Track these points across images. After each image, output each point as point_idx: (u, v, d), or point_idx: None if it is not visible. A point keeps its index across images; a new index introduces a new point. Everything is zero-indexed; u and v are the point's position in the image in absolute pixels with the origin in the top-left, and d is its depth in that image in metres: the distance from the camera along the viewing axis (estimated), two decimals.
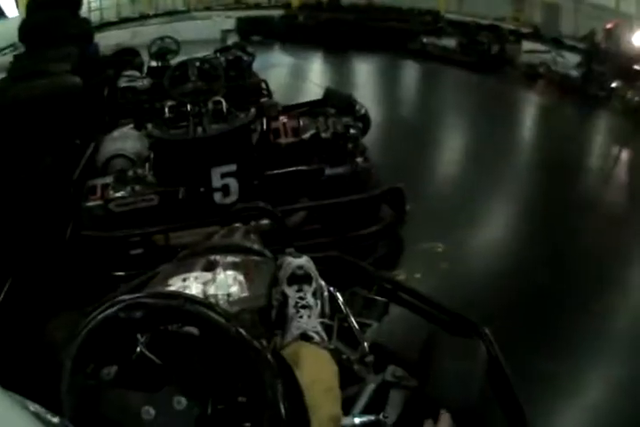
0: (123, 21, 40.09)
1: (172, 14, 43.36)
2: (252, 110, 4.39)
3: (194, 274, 1.78)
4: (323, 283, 1.97)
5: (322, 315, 1.88)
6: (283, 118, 4.57)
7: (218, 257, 1.92)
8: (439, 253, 4.11)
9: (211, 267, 1.84)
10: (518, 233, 5.06)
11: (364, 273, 2.32)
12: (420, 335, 2.01)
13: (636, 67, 13.38)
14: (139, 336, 1.37)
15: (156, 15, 45.67)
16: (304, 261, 1.93)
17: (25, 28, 9.33)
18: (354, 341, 1.95)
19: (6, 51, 30.89)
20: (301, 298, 1.83)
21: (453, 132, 8.93)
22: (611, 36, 22.76)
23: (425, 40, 16.96)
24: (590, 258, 4.36)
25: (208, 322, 1.25)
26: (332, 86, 7.29)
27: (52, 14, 8.81)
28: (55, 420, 1.21)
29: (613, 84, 12.84)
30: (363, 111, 5.35)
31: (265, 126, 4.39)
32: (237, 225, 2.64)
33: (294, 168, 4.11)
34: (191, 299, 1.30)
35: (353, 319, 1.99)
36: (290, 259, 1.92)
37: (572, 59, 14.12)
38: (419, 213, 4.23)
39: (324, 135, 4.31)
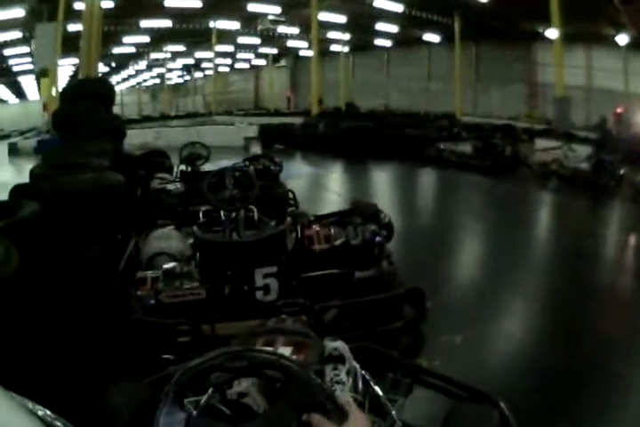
0: (145, 120, 41.90)
1: (192, 116, 45.24)
2: (289, 219, 5.03)
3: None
4: (356, 364, 2.23)
5: (354, 390, 2.14)
6: (315, 227, 5.16)
7: (275, 337, 2.25)
8: (457, 345, 4.61)
9: (270, 344, 2.18)
10: (534, 326, 5.56)
11: (392, 360, 2.70)
12: (441, 409, 2.47)
13: None
14: (235, 382, 1.79)
15: (177, 116, 47.55)
16: (339, 344, 2.23)
17: (59, 117, 9.90)
18: (383, 413, 2.26)
19: (28, 134, 32.07)
20: (336, 375, 2.11)
21: (470, 234, 9.57)
22: (621, 121, 23.68)
23: (441, 146, 17.89)
24: (607, 348, 4.81)
25: (296, 377, 1.55)
26: (355, 197, 8.00)
27: (87, 107, 9.36)
28: (59, 423, 1.41)
29: (622, 172, 13.45)
30: (387, 220, 5.98)
31: (300, 234, 4.98)
32: (283, 317, 3.16)
33: (327, 271, 4.67)
34: (284, 357, 1.64)
35: (382, 395, 2.28)
36: (327, 342, 2.23)
37: (584, 151, 14.83)
38: (439, 310, 4.77)
39: (353, 242, 4.90)
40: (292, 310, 3.38)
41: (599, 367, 4.15)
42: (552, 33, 22.21)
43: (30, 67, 36.41)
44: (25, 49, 31.89)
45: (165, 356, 3.90)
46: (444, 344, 4.65)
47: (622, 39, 26.89)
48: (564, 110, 20.61)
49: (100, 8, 16.13)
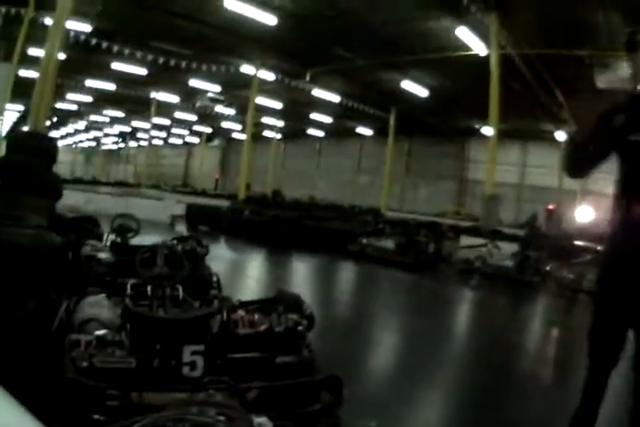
0: (76, 181, 41.56)
1: (122, 185, 45.13)
2: (216, 302, 5.43)
3: None
4: None
5: None
6: (241, 312, 5.54)
7: (207, 408, 2.28)
8: None
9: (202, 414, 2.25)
10: (447, 415, 6.00)
11: None
12: None
13: (577, 242, 14.58)
14: None
15: (108, 183, 47.35)
16: (264, 420, 2.44)
17: (1, 167, 10.02)
18: None
19: None
20: None
21: (389, 328, 10.03)
22: (552, 217, 24.53)
23: (364, 241, 18.48)
24: None
25: None
26: (277, 286, 8.36)
27: (30, 161, 9.50)
28: None
29: (548, 268, 14.02)
30: (309, 311, 6.39)
31: (225, 317, 5.34)
32: (212, 392, 3.48)
33: (251, 354, 5.01)
34: (221, 421, 1.96)
35: None
36: (253, 417, 2.38)
37: (510, 248, 15.64)
38: (356, 397, 5.14)
39: (276, 329, 5.29)
40: (217, 387, 3.73)
41: None
42: (488, 130, 23.21)
43: None
44: None
45: (96, 416, 4.16)
46: None
47: (561, 135, 28.04)
48: (493, 208, 21.33)
49: (58, 59, 16.29)
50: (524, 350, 8.91)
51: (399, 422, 5.47)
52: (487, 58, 20.34)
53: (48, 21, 18.78)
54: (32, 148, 9.79)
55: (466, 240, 18.39)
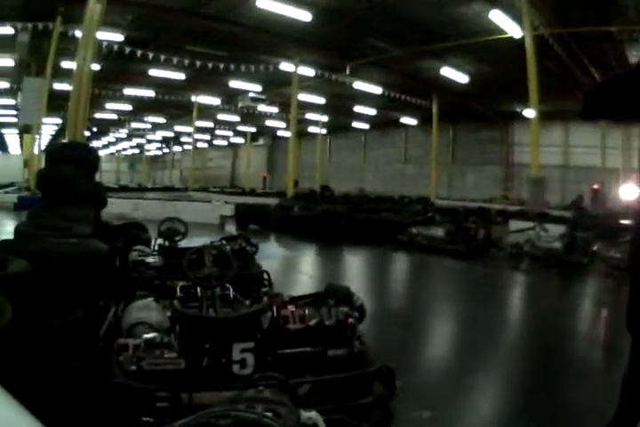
0: (122, 189, 42.18)
1: (169, 190, 45.65)
2: (265, 299, 5.38)
3: None
4: None
5: None
6: (291, 307, 5.47)
7: (254, 404, 2.33)
8: (425, 419, 4.93)
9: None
10: (503, 401, 5.85)
11: None
12: None
13: (623, 221, 14.31)
14: None
15: (154, 188, 47.98)
16: (314, 414, 2.40)
17: (43, 178, 9.85)
18: None
19: (8, 189, 32.13)
20: None
21: (440, 317, 9.89)
22: (597, 197, 24.15)
23: (414, 231, 18.37)
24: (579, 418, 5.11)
25: None
26: (329, 280, 8.30)
27: (72, 171, 9.41)
28: None
29: (595, 248, 13.79)
30: (359, 302, 6.32)
31: (275, 313, 5.30)
32: (261, 388, 3.42)
33: (301, 349, 4.97)
34: (267, 416, 1.94)
35: None
36: (302, 411, 2.39)
37: (557, 230, 15.39)
38: (410, 388, 5.06)
39: (327, 323, 5.22)
40: (267, 384, 3.66)
41: None
42: (529, 112, 22.89)
43: (14, 120, 36.76)
44: (10, 101, 32.33)
45: (145, 419, 4.14)
46: (412, 419, 4.94)
47: None
48: (539, 191, 21.13)
49: (91, 70, 16.46)
50: (575, 333, 8.71)
51: (454, 411, 5.35)
52: (522, 40, 19.99)
53: (78, 33, 18.95)
54: (71, 158, 9.97)
55: (514, 224, 18.16)
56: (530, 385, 6.22)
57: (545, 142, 25.23)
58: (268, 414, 2.20)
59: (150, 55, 24.46)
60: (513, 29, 20.45)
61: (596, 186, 27.35)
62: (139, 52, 23.80)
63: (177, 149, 72.04)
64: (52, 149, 11.10)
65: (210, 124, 50.85)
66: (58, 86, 26.17)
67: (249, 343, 4.71)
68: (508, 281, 13.83)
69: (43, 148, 25.88)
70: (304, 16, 20.55)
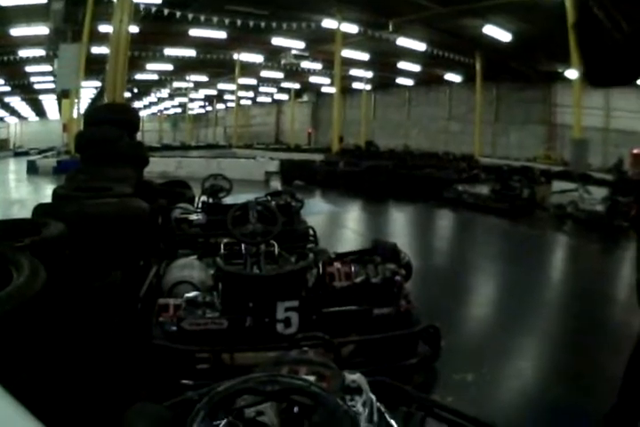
0: (165, 148, 42.41)
1: (213, 148, 45.75)
2: (310, 256, 5.24)
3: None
4: (372, 396, 2.32)
5: (369, 421, 2.22)
6: (337, 264, 5.32)
7: (298, 367, 2.35)
8: (469, 382, 4.76)
9: (293, 373, 2.26)
10: (545, 365, 5.64)
11: (406, 394, 2.86)
12: None
13: None
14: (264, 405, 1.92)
15: (197, 146, 48.18)
16: (357, 376, 2.33)
17: (82, 141, 10.05)
18: None
19: (47, 153, 32.68)
20: (352, 406, 2.18)
21: (486, 276, 9.72)
22: (637, 162, 23.68)
23: (460, 188, 18.15)
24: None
25: (325, 403, 1.73)
26: (375, 236, 8.16)
27: (112, 132, 9.55)
28: None
29: (633, 212, 13.53)
30: (406, 259, 6.18)
31: (321, 270, 5.16)
32: (305, 349, 3.30)
33: (347, 308, 4.85)
34: (314, 384, 1.82)
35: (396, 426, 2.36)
36: (345, 373, 2.33)
37: (600, 192, 15.03)
38: (453, 348, 4.97)
39: (373, 280, 5.07)
40: (311, 344, 3.54)
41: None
42: (572, 73, 22.36)
43: (52, 86, 37.04)
44: (47, 67, 32.53)
45: (184, 381, 4.06)
46: (456, 382, 4.79)
47: None
48: (582, 152, 20.86)
49: (128, 33, 16.34)
50: (615, 298, 8.43)
51: (496, 374, 5.17)
52: None
53: None
54: (110, 119, 9.96)
55: (557, 185, 17.79)
56: (569, 349, 6.04)
57: (587, 104, 24.66)
58: (312, 378, 2.15)
59: (190, 16, 24.19)
60: None
61: (636, 151, 26.80)
62: (178, 13, 23.57)
63: (220, 106, 71.86)
64: (91, 112, 11.07)
65: (253, 82, 50.55)
66: (95, 50, 26.11)
67: (293, 302, 4.61)
68: (551, 243, 13.53)
69: (82, 112, 25.95)
70: None
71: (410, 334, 4.66)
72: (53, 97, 45.52)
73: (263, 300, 4.58)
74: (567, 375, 5.19)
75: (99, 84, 36.97)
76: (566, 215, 15.38)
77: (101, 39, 23.80)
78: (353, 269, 5.25)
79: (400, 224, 15.35)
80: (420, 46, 30.90)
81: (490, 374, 5.06)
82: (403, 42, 30.18)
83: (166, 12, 23.29)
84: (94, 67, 26.05)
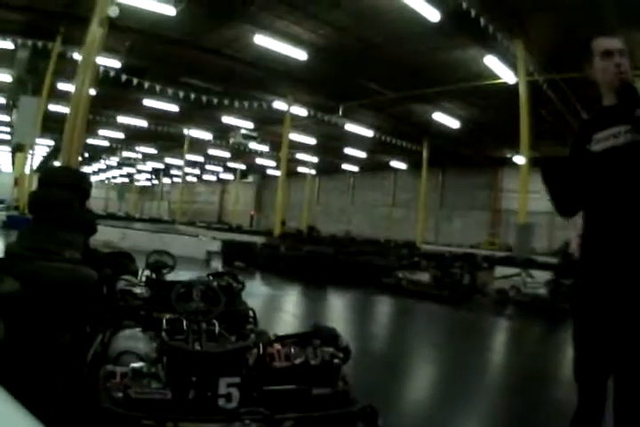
0: (110, 217, 42.16)
1: (157, 221, 45.70)
2: (252, 336, 5.51)
3: None
4: None
5: None
6: (277, 346, 5.58)
7: None
8: None
9: None
10: None
11: None
12: None
13: None
14: None
15: (142, 219, 48.00)
16: None
17: (36, 201, 9.73)
18: None
19: None
20: None
21: (424, 360, 9.95)
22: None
23: (400, 275, 18.52)
24: None
25: None
26: (314, 320, 8.39)
27: (65, 196, 9.42)
28: None
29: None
30: (344, 343, 6.43)
31: (262, 351, 5.41)
32: (247, 422, 3.53)
33: (286, 386, 5.09)
34: None
35: None
36: None
37: (544, 276, 15.59)
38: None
39: (312, 362, 5.34)
40: (252, 418, 3.76)
41: None
42: (519, 159, 23.23)
43: (7, 137, 36.75)
44: (5, 117, 32.32)
45: None
46: None
47: None
48: (526, 237, 21.22)
49: (89, 95, 16.50)
50: (557, 377, 8.80)
51: None
52: (516, 86, 20.40)
53: (77, 56, 19.13)
54: (65, 183, 10.06)
55: (500, 270, 18.35)
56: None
57: (534, 189, 25.53)
58: None
59: (146, 84, 24.68)
60: (507, 75, 20.88)
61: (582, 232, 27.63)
62: (135, 81, 24.02)
63: (166, 180, 72.18)
64: (47, 173, 11.15)
65: (200, 159, 51.12)
66: (53, 108, 26.37)
67: (235, 378, 4.80)
68: (491, 327, 13.93)
69: (34, 167, 25.97)
70: (300, 55, 20.97)
71: (347, 413, 4.88)
72: (8, 149, 45.17)
73: (206, 375, 4.77)
74: None
75: (51, 142, 36.97)
76: (508, 300, 15.79)
77: (60, 97, 24.07)
78: (292, 350, 5.49)
79: (338, 309, 15.51)
80: (368, 132, 31.84)
81: None
82: (351, 127, 31.10)
83: (124, 78, 23.72)
84: (50, 124, 26.15)
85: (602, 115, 3.72)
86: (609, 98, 3.68)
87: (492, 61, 20.02)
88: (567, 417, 3.68)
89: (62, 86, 24.21)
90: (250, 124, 34.45)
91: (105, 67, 22.54)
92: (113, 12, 15.62)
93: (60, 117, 19.48)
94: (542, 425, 6.30)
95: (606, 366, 3.53)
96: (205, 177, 65.94)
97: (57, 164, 21.08)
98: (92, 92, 17.99)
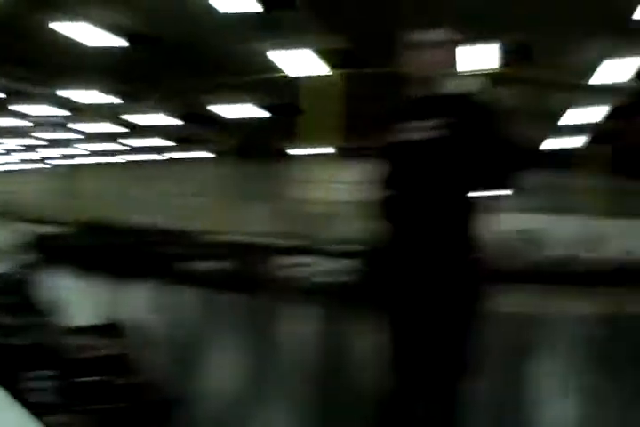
0: None
1: None
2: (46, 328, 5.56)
3: None
4: None
5: None
6: (74, 337, 5.77)
7: None
8: None
9: None
10: None
11: None
12: None
13: None
14: None
15: None
16: None
17: None
18: None
19: None
20: None
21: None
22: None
23: (196, 264, 18.76)
24: None
25: None
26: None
27: None
28: None
29: None
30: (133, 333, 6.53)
31: (58, 343, 5.50)
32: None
33: (93, 378, 5.10)
34: None
35: None
36: None
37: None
38: None
39: (113, 353, 5.43)
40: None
41: None
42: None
43: None
44: None
45: None
46: None
47: None
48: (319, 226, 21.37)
49: None
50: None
51: None
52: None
53: None
54: None
55: (292, 259, 18.57)
56: None
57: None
58: None
59: None
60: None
61: None
62: None
63: None
64: None
65: None
66: None
67: (44, 371, 4.85)
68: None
69: None
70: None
71: (153, 403, 5.03)
72: None
73: (16, 369, 4.77)
74: None
75: None
76: (301, 288, 16.23)
77: None
78: (90, 342, 5.61)
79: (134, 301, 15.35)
80: None
81: None
82: None
83: None
84: None
85: (410, 106, 3.91)
86: (418, 90, 3.87)
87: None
88: None
89: None
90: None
91: None
92: None
93: None
94: None
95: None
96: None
97: None
98: None
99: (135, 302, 14.99)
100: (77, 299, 14.01)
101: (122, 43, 19.03)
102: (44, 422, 2.72)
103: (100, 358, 5.36)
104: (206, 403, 6.57)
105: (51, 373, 4.81)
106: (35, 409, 4.20)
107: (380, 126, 3.95)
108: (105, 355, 5.41)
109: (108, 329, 6.34)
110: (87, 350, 5.45)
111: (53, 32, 16.67)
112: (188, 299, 16.35)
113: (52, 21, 15.84)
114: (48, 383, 4.72)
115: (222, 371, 8.78)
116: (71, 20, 16.60)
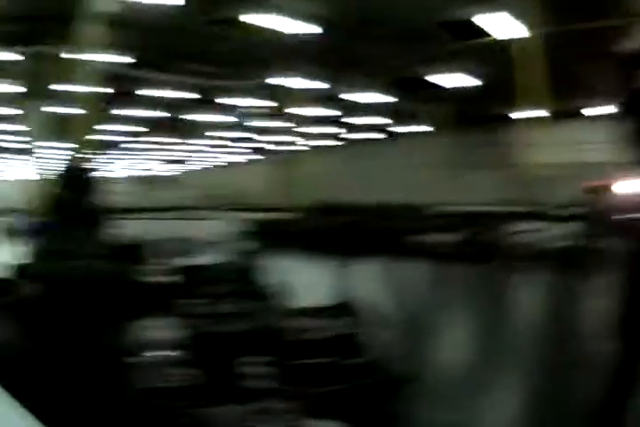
0: (131, 210, 41.62)
1: (181, 209, 45.16)
2: (276, 312, 5.53)
3: None
4: None
5: None
6: (303, 319, 5.68)
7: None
8: None
9: None
10: None
11: None
12: None
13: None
14: None
15: (166, 208, 47.40)
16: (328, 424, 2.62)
17: (59, 204, 10.07)
18: None
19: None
20: None
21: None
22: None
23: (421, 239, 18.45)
24: None
25: None
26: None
27: (76, 196, 9.66)
28: None
29: None
30: (370, 314, 6.40)
31: (288, 325, 5.44)
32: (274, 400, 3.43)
33: (318, 359, 5.02)
34: None
35: None
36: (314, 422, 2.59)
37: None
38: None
39: (340, 334, 5.33)
40: (280, 396, 3.70)
41: None
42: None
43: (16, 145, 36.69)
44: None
45: None
46: None
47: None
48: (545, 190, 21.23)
49: (96, 94, 16.31)
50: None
51: None
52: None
53: (78, 56, 18.82)
54: (75, 183, 10.18)
55: (521, 226, 17.96)
56: None
57: (552, 141, 25.06)
58: None
59: (152, 76, 24.18)
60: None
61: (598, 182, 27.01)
62: (138, 73, 23.50)
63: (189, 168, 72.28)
64: (68, 176, 11.31)
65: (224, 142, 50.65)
66: (59, 110, 25.97)
67: (261, 357, 4.76)
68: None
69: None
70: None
71: (375, 383, 4.82)
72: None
73: (231, 356, 4.76)
74: None
75: (64, 145, 36.95)
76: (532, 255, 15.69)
77: (66, 99, 23.78)
78: (319, 323, 5.47)
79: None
80: None
81: None
82: None
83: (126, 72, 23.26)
84: (59, 127, 25.83)
85: None
86: None
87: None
88: None
89: (66, 88, 23.84)
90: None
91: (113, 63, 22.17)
92: (108, 6, 15.34)
93: (70, 119, 19.17)
94: None
95: None
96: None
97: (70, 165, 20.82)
98: (100, 89, 17.80)
99: (365, 281, 15.07)
100: (306, 281, 14.46)
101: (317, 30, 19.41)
102: (268, 408, 2.68)
103: (329, 338, 5.28)
104: (437, 381, 6.35)
105: (274, 357, 4.79)
106: (252, 396, 4.27)
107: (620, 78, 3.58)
108: (334, 335, 5.31)
109: (340, 309, 6.27)
110: (316, 332, 5.39)
111: (249, 26, 17.19)
112: (418, 273, 16.25)
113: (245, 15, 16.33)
114: (268, 369, 4.71)
115: (456, 347, 8.51)
116: (265, 12, 17.03)
